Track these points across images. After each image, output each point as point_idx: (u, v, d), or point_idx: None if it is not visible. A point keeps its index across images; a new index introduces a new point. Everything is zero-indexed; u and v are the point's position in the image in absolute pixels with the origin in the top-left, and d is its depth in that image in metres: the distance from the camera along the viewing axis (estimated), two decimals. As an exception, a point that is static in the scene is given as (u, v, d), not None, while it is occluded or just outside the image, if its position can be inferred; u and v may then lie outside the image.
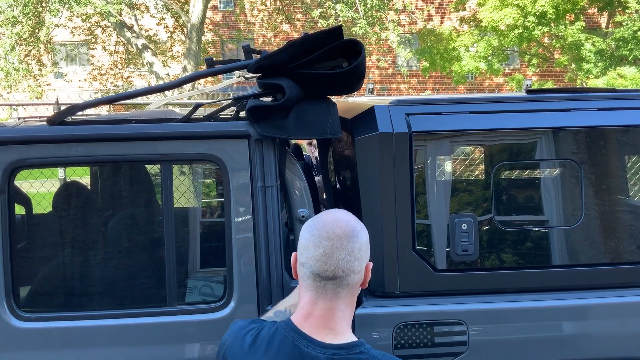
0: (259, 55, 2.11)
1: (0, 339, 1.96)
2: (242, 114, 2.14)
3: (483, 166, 2.15)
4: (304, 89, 2.04)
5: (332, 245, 1.43)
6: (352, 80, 2.07)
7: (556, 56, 16.30)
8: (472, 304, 2.06)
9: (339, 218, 1.50)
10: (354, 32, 13.18)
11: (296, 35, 17.64)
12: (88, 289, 2.13)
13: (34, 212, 2.37)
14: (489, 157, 2.13)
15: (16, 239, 2.03)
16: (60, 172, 4.29)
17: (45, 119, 2.67)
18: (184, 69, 13.21)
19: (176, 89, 9.43)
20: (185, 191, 2.97)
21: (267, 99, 2.14)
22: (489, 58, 15.79)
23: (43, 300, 2.14)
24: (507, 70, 19.98)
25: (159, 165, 2.05)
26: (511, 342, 2.04)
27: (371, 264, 1.51)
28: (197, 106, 2.12)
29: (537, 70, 18.14)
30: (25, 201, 2.32)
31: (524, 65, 19.73)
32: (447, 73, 16.99)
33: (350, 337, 1.46)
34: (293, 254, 1.50)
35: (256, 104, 2.01)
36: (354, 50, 2.06)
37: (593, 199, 2.09)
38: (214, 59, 2.09)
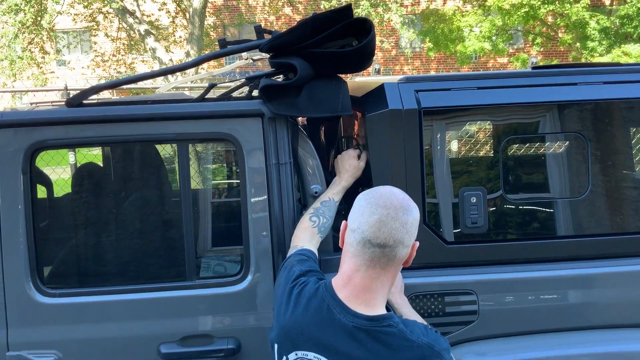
0: (270, 36, 2.15)
1: (26, 313, 2.04)
2: (255, 93, 2.18)
3: (491, 140, 2.20)
4: (315, 68, 2.08)
5: (388, 214, 1.48)
6: (362, 59, 2.11)
7: (560, 35, 16.20)
8: (481, 274, 2.11)
9: (395, 191, 1.56)
10: (356, 14, 13.13)
11: (298, 18, 17.56)
12: (109, 265, 2.20)
13: (54, 193, 2.43)
14: (497, 131, 2.17)
15: (38, 219, 2.10)
16: (71, 157, 4.36)
17: (53, 104, 2.73)
18: (187, 53, 13.19)
19: (179, 74, 9.45)
20: (203, 170, 3.03)
21: (279, 78, 2.19)
22: (493, 38, 15.69)
23: (66, 277, 2.21)
24: (511, 50, 19.86)
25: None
26: (520, 311, 2.10)
27: (417, 244, 1.55)
28: (211, 86, 2.17)
29: (542, 50, 18.04)
30: (46, 182, 2.38)
31: (528, 45, 19.61)
32: (450, 54, 16.91)
33: (382, 311, 1.52)
34: (343, 222, 1.57)
35: (269, 83, 2.05)
36: (364, 29, 2.10)
37: (599, 172, 2.13)
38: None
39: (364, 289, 1.50)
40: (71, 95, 2.14)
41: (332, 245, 2.14)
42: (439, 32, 16.19)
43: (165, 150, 2.83)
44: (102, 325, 2.04)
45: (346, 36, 2.13)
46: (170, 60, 13.43)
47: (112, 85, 2.18)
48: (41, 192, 2.22)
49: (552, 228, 2.16)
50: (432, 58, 19.76)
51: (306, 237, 1.96)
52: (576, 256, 2.11)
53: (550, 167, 2.18)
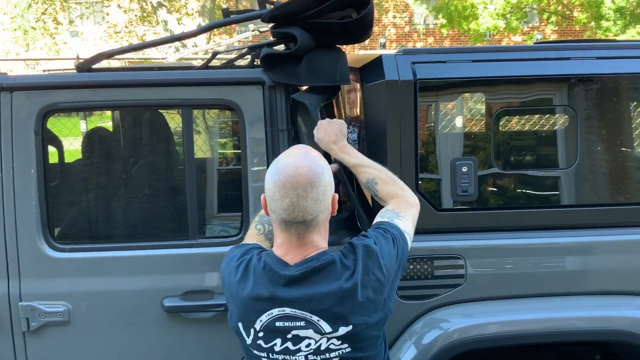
0: (272, 6, 2.23)
1: (38, 267, 2.16)
2: (257, 62, 2.27)
3: (484, 112, 2.27)
4: (315, 38, 2.16)
5: (297, 195, 1.53)
6: (361, 30, 2.18)
7: (575, 14, 16.01)
8: (470, 240, 2.21)
9: (299, 164, 1.55)
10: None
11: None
12: (117, 224, 2.32)
13: (65, 154, 2.55)
14: (490, 103, 2.24)
15: (50, 178, 2.21)
16: (82, 126, 4.49)
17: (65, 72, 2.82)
18: (199, 26, 13.23)
19: (189, 46, 9.51)
20: (209, 139, 3.14)
21: (280, 48, 2.27)
22: (507, 16, 15.52)
23: (75, 233, 2.33)
24: (525, 29, 19.64)
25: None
26: (505, 276, 2.20)
27: (336, 196, 1.63)
28: (215, 54, 2.26)
29: (556, 29, 17.83)
30: (57, 143, 2.49)
31: (542, 24, 19.38)
32: (464, 31, 16.78)
33: (321, 249, 1.61)
34: (262, 196, 1.62)
35: (270, 52, 2.13)
36: (363, 1, 2.16)
37: (588, 145, 2.21)
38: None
39: (300, 248, 1.60)
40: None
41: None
42: (453, 8, 16.05)
43: (175, 121, 2.94)
44: (109, 279, 2.17)
45: (346, 7, 2.20)
46: (182, 32, 13.45)
47: (121, 51, 2.28)
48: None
49: (539, 198, 2.24)
50: (445, 35, 19.62)
51: (256, 243, 1.88)
52: (560, 225, 2.20)
53: (540, 139, 2.25)
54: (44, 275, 2.17)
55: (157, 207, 2.35)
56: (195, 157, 2.26)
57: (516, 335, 2.16)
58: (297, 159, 1.58)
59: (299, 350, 1.58)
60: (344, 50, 2.27)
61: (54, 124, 2.21)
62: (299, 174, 1.54)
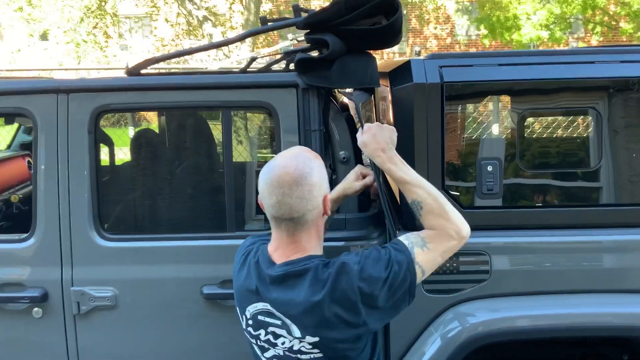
0: (306, 14, 2.37)
1: (89, 255, 2.34)
2: (292, 66, 2.41)
3: (509, 113, 2.35)
4: (346, 44, 2.29)
5: (283, 193, 1.59)
6: (390, 36, 2.29)
7: (622, 24, 15.72)
8: (495, 237, 2.29)
9: (287, 164, 1.62)
10: (410, 0, 13.15)
11: None
12: (162, 217, 2.49)
13: (115, 152, 2.75)
14: (515, 105, 2.32)
15: (102, 174, 2.40)
16: (131, 133, 4.76)
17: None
18: (242, 40, 13.56)
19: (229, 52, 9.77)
20: (248, 142, 3.32)
21: (314, 53, 2.41)
22: (551, 27, 15.34)
23: (124, 224, 2.52)
24: (570, 39, 19.35)
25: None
26: (527, 272, 2.27)
27: (329, 195, 1.67)
28: (253, 59, 2.42)
29: (602, 39, 17.52)
30: (109, 142, 2.70)
31: (588, 34, 19.07)
32: (507, 42, 16.66)
33: (306, 254, 1.65)
34: (259, 196, 1.69)
35: (303, 57, 2.27)
36: (392, 8, 2.28)
37: (611, 145, 2.26)
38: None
39: (289, 246, 1.65)
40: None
41: (357, 205, 2.35)
42: (495, 19, 15.98)
43: (217, 128, 3.13)
44: (153, 267, 2.33)
45: (376, 14, 2.32)
46: (228, 47, 13.82)
47: (167, 57, 2.46)
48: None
49: (561, 198, 2.31)
50: (488, 46, 19.51)
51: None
52: (581, 224, 2.26)
53: (563, 140, 2.31)
54: (94, 263, 2.35)
55: (197, 203, 2.52)
56: (236, 160, 2.42)
57: (540, 329, 2.22)
58: (286, 158, 1.65)
59: (277, 345, 1.66)
60: (374, 55, 2.40)
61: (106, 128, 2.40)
62: (285, 172, 1.60)
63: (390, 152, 1.85)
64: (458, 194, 2.30)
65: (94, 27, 14.51)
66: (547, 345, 2.59)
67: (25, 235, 2.36)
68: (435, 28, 15.54)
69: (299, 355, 1.64)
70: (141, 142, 2.78)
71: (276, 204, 1.61)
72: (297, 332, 1.62)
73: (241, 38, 2.45)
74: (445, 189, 2.27)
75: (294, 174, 1.60)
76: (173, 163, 2.59)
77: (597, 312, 2.24)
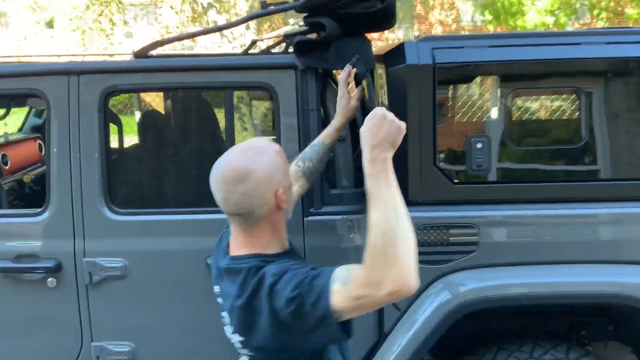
0: (305, -2, 2.48)
1: (99, 228, 2.48)
2: (291, 48, 2.53)
3: (498, 93, 2.46)
4: (342, 27, 2.39)
5: (227, 189, 1.55)
6: (384, 19, 2.40)
7: (627, 10, 15.64)
8: (483, 211, 2.41)
9: (232, 159, 1.57)
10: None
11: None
12: (167, 192, 2.62)
13: (123, 131, 2.88)
14: (503, 84, 2.43)
15: (111, 151, 2.53)
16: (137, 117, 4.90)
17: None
18: (247, 27, 13.63)
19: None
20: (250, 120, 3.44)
21: (312, 36, 2.52)
22: (556, 12, 15.28)
23: (132, 198, 2.65)
24: (576, 25, 19.26)
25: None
26: (514, 244, 2.39)
27: (282, 190, 1.57)
28: (254, 42, 2.53)
29: (607, 25, 17.44)
30: (117, 121, 2.83)
31: (593, 20, 18.98)
32: (511, 28, 16.62)
33: (252, 252, 1.62)
34: None
35: (302, 40, 2.38)
36: (387, -8, 2.39)
37: (594, 123, 2.37)
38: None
39: (239, 240, 1.65)
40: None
41: (353, 181, 2.47)
42: (499, 5, 15.92)
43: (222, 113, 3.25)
44: (160, 239, 2.47)
45: (371, -1, 2.43)
46: (231, 33, 13.89)
47: (173, 40, 2.58)
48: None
49: (547, 173, 2.42)
50: (492, 32, 19.45)
51: None
52: (564, 198, 2.37)
53: (550, 119, 2.42)
54: (105, 235, 2.49)
55: (200, 180, 2.64)
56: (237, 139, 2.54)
57: (527, 296, 2.35)
58: (233, 153, 1.60)
59: (226, 331, 1.70)
60: (369, 37, 2.50)
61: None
62: (229, 168, 1.56)
63: (383, 154, 1.46)
64: (449, 169, 2.42)
65: (100, 15, 14.59)
66: (536, 316, 2.72)
67: (39, 209, 2.49)
68: (440, 14, 15.52)
69: (235, 346, 1.66)
70: (147, 123, 2.90)
71: (223, 200, 1.59)
72: (230, 327, 1.65)
73: (244, 21, 2.56)
74: (436, 165, 2.39)
75: (238, 170, 1.55)
76: (178, 142, 2.72)
77: (580, 281, 2.36)
